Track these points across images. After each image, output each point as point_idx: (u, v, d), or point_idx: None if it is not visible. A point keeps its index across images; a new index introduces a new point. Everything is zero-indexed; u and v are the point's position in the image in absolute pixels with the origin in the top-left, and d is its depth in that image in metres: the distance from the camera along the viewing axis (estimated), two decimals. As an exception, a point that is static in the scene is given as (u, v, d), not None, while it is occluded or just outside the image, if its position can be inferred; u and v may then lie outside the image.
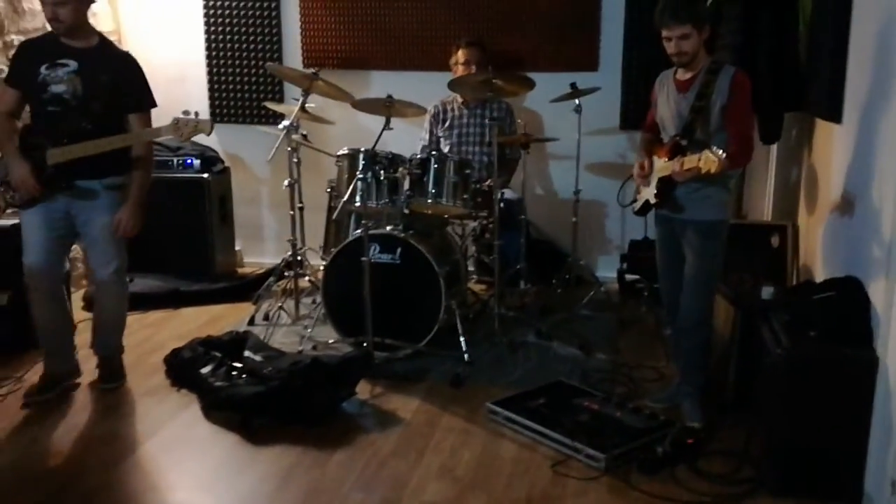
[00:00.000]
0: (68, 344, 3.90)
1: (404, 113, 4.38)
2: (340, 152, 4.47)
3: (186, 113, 3.64)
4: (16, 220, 4.21)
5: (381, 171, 4.22)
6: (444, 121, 5.07)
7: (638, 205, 3.65)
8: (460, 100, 5.04)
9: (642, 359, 4.21)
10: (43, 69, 3.50)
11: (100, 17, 5.56)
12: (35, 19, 4.92)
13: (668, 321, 3.81)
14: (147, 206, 3.76)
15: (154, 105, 3.80)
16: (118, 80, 3.58)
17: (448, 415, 3.64)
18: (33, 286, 3.69)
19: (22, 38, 4.81)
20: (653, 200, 3.48)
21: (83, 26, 3.58)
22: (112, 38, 5.62)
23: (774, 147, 4.50)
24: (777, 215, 4.55)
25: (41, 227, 3.62)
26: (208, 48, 5.72)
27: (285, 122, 4.56)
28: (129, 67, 3.69)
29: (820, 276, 3.57)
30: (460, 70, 4.93)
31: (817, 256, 3.75)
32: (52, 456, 3.26)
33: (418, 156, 4.32)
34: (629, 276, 5.14)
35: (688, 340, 3.54)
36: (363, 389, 3.79)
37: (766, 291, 3.41)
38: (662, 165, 3.40)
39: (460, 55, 4.95)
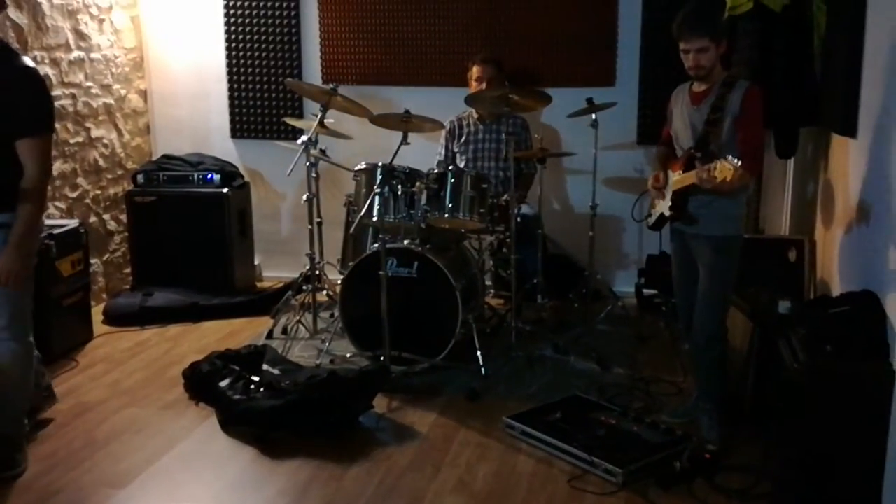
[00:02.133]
0: None
1: (422, 128, 4.41)
2: (358, 167, 4.51)
3: None
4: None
5: (399, 186, 4.25)
6: (460, 136, 5.10)
7: (653, 219, 3.66)
8: (476, 115, 5.07)
9: (660, 373, 4.20)
10: None
11: (123, 35, 5.66)
12: (58, 35, 5.02)
13: (685, 336, 3.81)
14: (34, 253, 3.17)
15: (51, 130, 3.13)
16: (4, 97, 2.97)
17: (465, 429, 3.65)
18: None
19: (45, 55, 4.91)
20: (667, 213, 3.49)
21: None
22: (133, 55, 5.79)
23: (791, 162, 4.50)
24: (794, 230, 4.54)
25: None
26: (229, 65, 5.79)
27: (304, 138, 4.61)
28: (22, 83, 3.02)
29: (837, 290, 3.56)
30: (475, 86, 4.96)
31: (834, 270, 3.74)
32: (70, 469, 3.29)
33: (435, 170, 4.34)
34: (647, 291, 5.14)
35: (703, 355, 3.53)
36: (380, 403, 3.81)
37: (783, 306, 3.40)
38: (677, 178, 3.41)
39: (475, 71, 4.97)
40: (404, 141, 4.16)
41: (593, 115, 4.72)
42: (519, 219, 4.47)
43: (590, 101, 4.70)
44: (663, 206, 3.53)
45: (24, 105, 2.99)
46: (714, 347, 3.48)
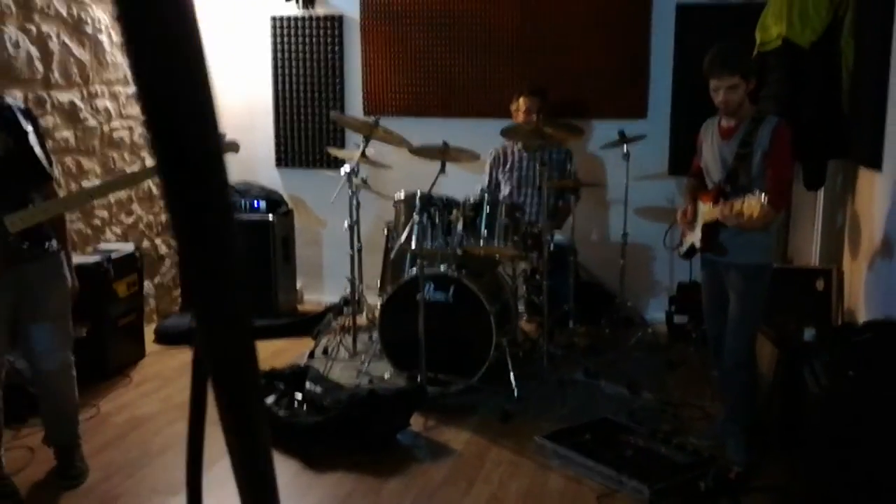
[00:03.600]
0: None
1: (458, 158, 4.59)
2: (398, 196, 4.70)
3: None
4: (96, 257, 4.56)
5: (436, 214, 4.43)
6: (504, 164, 5.24)
7: (684, 248, 3.78)
8: (520, 144, 5.21)
9: (688, 398, 4.30)
10: None
11: (176, 69, 5.93)
12: (118, 70, 5.31)
13: (714, 361, 3.91)
14: None
15: None
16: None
17: (497, 447, 3.79)
18: None
19: (105, 89, 5.21)
20: (698, 245, 3.62)
21: None
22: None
23: (821, 193, 4.60)
24: (824, 260, 4.63)
25: None
26: (276, 98, 6.06)
27: (346, 167, 4.82)
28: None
29: (862, 319, 3.65)
30: (521, 117, 5.06)
31: (860, 300, 3.83)
32: (127, 477, 3.49)
33: (476, 197, 4.49)
34: (678, 319, 5.24)
35: (732, 380, 3.64)
36: (417, 422, 3.96)
37: (808, 333, 3.50)
38: (707, 210, 3.53)
39: (522, 103, 5.07)
40: (442, 171, 4.34)
41: (625, 147, 4.87)
42: (552, 247, 4.62)
43: (621, 133, 4.85)
44: (694, 237, 3.65)
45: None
46: (742, 372, 3.59)
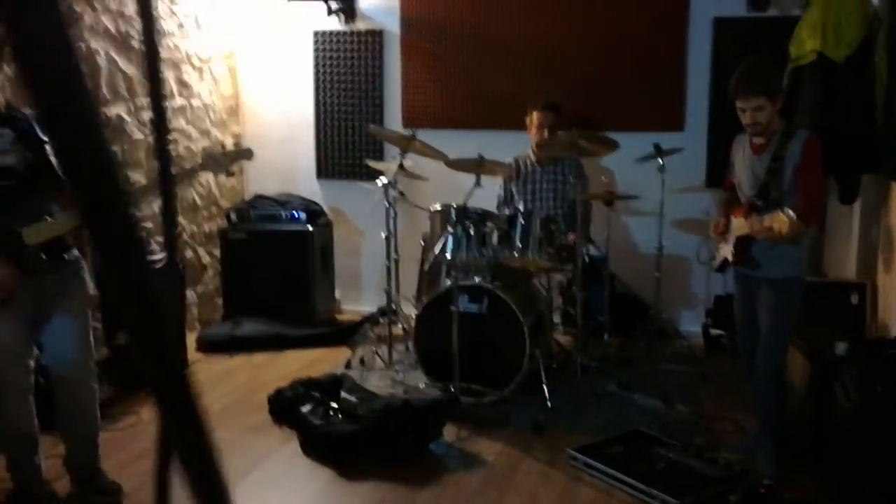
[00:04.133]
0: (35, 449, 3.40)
1: (494, 171, 4.65)
2: (433, 207, 4.77)
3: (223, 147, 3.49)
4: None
5: (471, 226, 4.49)
6: (518, 176, 5.30)
7: (717, 262, 3.80)
8: (533, 157, 5.25)
9: (722, 411, 4.29)
10: None
11: (221, 84, 6.11)
12: (163, 86, 5.46)
13: (747, 375, 3.91)
14: None
15: None
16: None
17: (529, 458, 3.83)
18: (10, 389, 3.24)
19: (149, 103, 5.35)
20: (730, 258, 3.63)
21: None
22: (230, 102, 6.23)
23: (857, 206, 4.57)
24: (860, 274, 4.59)
25: (15, 325, 3.15)
26: (317, 111, 6.18)
27: (384, 179, 4.91)
28: None
29: (895, 333, 3.62)
30: (535, 131, 5.14)
31: (893, 314, 3.81)
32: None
33: (495, 211, 4.53)
34: (714, 331, 5.23)
35: (764, 392, 3.64)
36: (450, 432, 4.02)
37: (840, 347, 3.49)
38: (739, 224, 3.55)
39: (535, 117, 5.14)
40: (477, 184, 4.40)
41: (660, 160, 4.88)
42: (587, 259, 4.65)
43: (657, 146, 4.87)
44: (726, 251, 3.67)
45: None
46: (773, 385, 3.59)
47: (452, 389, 4.26)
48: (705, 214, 5.40)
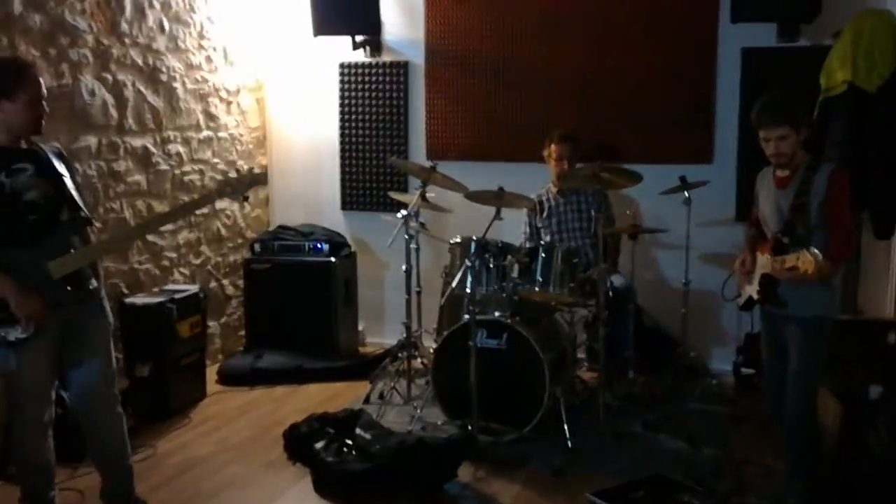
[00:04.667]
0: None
1: (514, 203, 4.57)
2: (454, 240, 4.70)
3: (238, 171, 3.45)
4: (159, 298, 4.69)
5: (491, 259, 4.41)
6: (542, 211, 5.23)
7: (742, 300, 3.67)
8: (554, 189, 5.19)
9: (751, 454, 4.12)
10: (8, 176, 3.09)
11: (248, 115, 6.14)
12: (190, 117, 5.51)
13: (774, 416, 3.76)
14: None
15: None
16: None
17: (546, 502, 3.70)
18: (32, 423, 3.25)
19: (178, 134, 5.40)
20: (755, 297, 3.50)
21: None
22: (256, 133, 6.26)
23: (894, 242, 4.39)
24: (899, 312, 4.41)
25: (42, 359, 3.18)
26: (342, 142, 6.17)
27: (404, 211, 4.85)
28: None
29: (934, 378, 3.45)
30: (554, 164, 5.11)
31: (933, 356, 3.63)
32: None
33: (527, 245, 4.47)
34: (745, 370, 5.06)
35: (793, 435, 3.50)
36: (466, 471, 3.91)
37: (874, 391, 3.33)
38: (765, 262, 3.42)
39: (553, 150, 5.10)
40: (497, 216, 4.33)
41: (686, 193, 4.76)
42: (611, 293, 4.54)
43: (682, 178, 4.75)
44: (752, 289, 3.54)
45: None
46: (804, 428, 3.44)
47: (470, 427, 4.15)
48: (736, 248, 5.24)
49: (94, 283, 3.28)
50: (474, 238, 4.46)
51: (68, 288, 3.14)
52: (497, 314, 4.39)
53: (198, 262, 5.65)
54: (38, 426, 3.25)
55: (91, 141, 4.66)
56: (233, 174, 3.39)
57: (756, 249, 3.55)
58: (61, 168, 3.25)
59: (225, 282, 5.95)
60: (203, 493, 3.78)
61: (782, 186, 3.40)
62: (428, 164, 5.03)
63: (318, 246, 5.77)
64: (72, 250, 3.15)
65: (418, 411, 4.52)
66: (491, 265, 4.41)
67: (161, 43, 5.21)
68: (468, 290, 4.35)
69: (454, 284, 4.50)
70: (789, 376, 3.43)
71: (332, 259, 5.71)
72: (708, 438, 4.32)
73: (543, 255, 4.38)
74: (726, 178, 5.27)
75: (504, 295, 4.41)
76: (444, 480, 3.80)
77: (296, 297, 5.67)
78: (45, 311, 3.06)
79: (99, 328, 3.33)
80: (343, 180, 6.20)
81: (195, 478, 3.94)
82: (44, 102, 3.14)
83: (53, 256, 3.09)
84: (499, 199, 4.37)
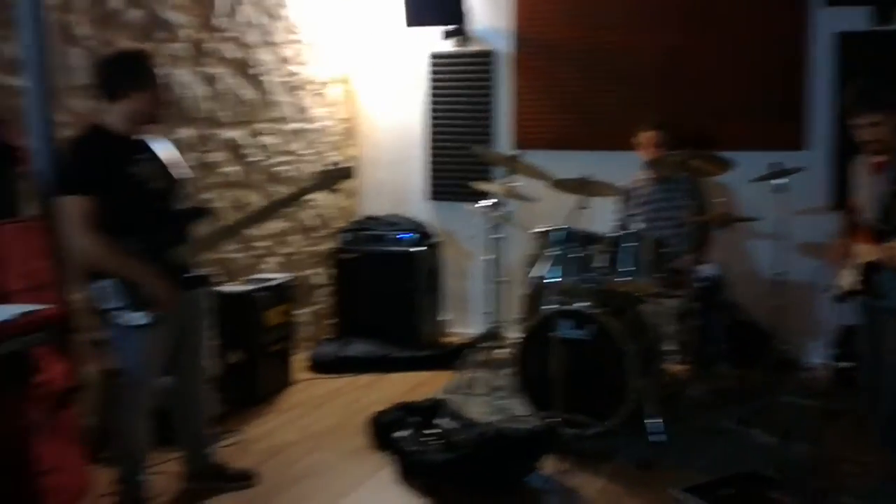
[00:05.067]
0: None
1: (600, 192, 4.49)
2: (538, 229, 4.66)
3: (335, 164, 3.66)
4: (249, 286, 4.81)
5: (576, 248, 4.35)
6: (634, 199, 5.13)
7: (837, 291, 3.51)
8: (645, 177, 5.10)
9: (848, 452, 3.94)
10: (135, 164, 3.25)
11: (337, 106, 6.23)
12: (281, 109, 5.62)
13: (870, 410, 3.59)
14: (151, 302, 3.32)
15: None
16: None
17: (632, 497, 3.62)
18: (137, 408, 3.38)
19: (269, 126, 5.52)
20: (853, 287, 3.35)
21: None
22: (346, 124, 6.34)
23: None
24: None
25: (163, 344, 3.35)
26: (429, 133, 6.19)
27: (489, 201, 4.84)
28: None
29: None
30: (644, 150, 5.03)
31: None
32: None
33: (613, 234, 4.39)
34: (842, 364, 4.84)
35: (891, 434, 3.33)
36: (549, 464, 3.86)
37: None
38: (863, 250, 3.27)
39: (643, 137, 5.03)
40: (583, 205, 4.26)
41: (778, 180, 4.58)
42: (701, 283, 4.40)
43: (774, 165, 4.58)
44: (849, 280, 3.39)
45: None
46: None
47: (553, 419, 4.11)
48: (830, 238, 5.02)
49: (204, 270, 3.45)
50: (560, 227, 4.40)
51: (186, 275, 3.30)
52: (582, 304, 4.32)
53: (288, 251, 5.77)
54: (142, 411, 3.38)
55: (187, 133, 4.80)
56: (324, 168, 3.51)
57: (853, 238, 3.39)
58: (175, 157, 3.41)
59: (314, 271, 6.06)
60: (287, 480, 3.84)
61: (878, 173, 3.25)
62: (513, 153, 4.99)
63: (404, 236, 5.81)
64: (191, 238, 3.32)
65: (501, 402, 4.51)
66: (576, 255, 4.34)
67: (253, 37, 5.33)
68: (553, 280, 4.30)
69: (538, 274, 4.45)
70: (886, 371, 3.27)
71: (417, 249, 5.74)
72: (801, 434, 4.15)
73: (631, 244, 4.29)
74: (819, 165, 5.07)
75: (589, 285, 4.33)
76: (527, 473, 3.77)
77: (382, 287, 5.73)
78: (173, 298, 3.21)
79: (206, 314, 3.53)
80: (430, 170, 6.22)
81: (280, 464, 4.01)
82: (166, 92, 3.33)
83: (174, 244, 3.26)
84: (585, 187, 4.31)
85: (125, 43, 4.28)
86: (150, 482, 3.52)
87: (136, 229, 3.17)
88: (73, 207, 3.09)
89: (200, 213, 3.47)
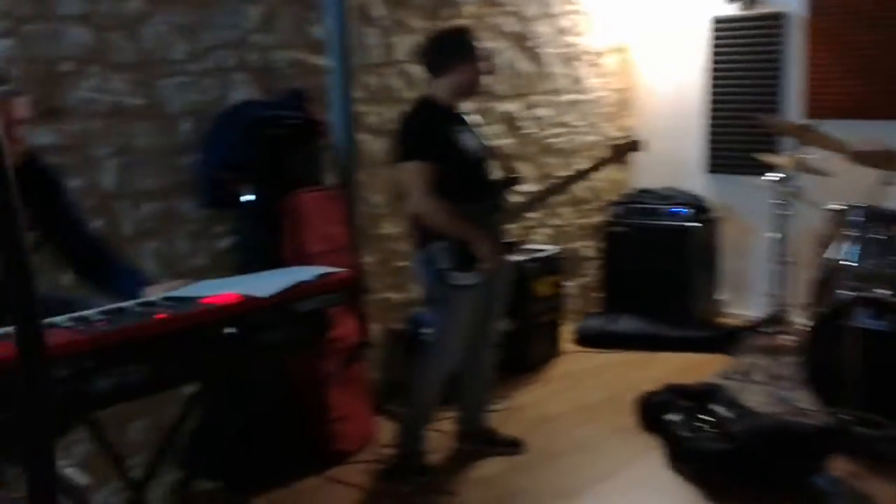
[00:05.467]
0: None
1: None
2: (832, 206, 4.26)
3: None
4: (520, 257, 4.84)
5: (879, 229, 3.93)
6: None
7: None
8: None
9: None
10: (459, 134, 3.43)
11: (613, 77, 6.09)
12: (556, 81, 5.59)
13: None
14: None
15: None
16: None
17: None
18: (448, 366, 3.57)
19: (544, 98, 5.52)
20: None
21: None
22: (621, 94, 6.18)
23: None
24: None
25: (479, 305, 3.54)
26: (710, 102, 5.86)
27: (778, 175, 4.50)
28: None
29: None
30: None
31: None
32: (525, 473, 3.67)
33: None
34: None
35: None
36: (838, 465, 3.55)
37: None
38: None
39: None
40: (888, 180, 3.82)
41: None
42: None
43: None
44: None
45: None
46: None
47: (845, 417, 3.75)
48: None
49: (511, 238, 3.63)
50: (859, 205, 4.00)
51: (503, 241, 3.49)
52: (883, 292, 3.88)
53: (558, 223, 5.76)
54: (446, 369, 3.54)
55: (466, 107, 4.91)
56: (614, 140, 3.60)
57: None
58: (483, 128, 3.65)
59: (584, 243, 6.00)
60: (553, 452, 3.85)
61: None
62: (806, 122, 4.58)
63: (678, 210, 5.58)
64: (506, 206, 3.53)
65: (784, 393, 4.19)
66: (878, 236, 3.91)
67: (532, 9, 5.34)
68: (849, 264, 3.92)
69: (832, 256, 4.07)
70: None
71: (692, 224, 5.49)
72: None
73: (947, 227, 3.79)
74: None
75: (893, 270, 3.89)
76: (811, 473, 3.48)
77: (653, 262, 5.56)
78: (501, 261, 3.44)
79: (509, 281, 3.74)
80: (708, 142, 5.90)
81: (547, 434, 4.04)
82: (488, 64, 3.47)
83: (494, 211, 3.48)
84: (890, 160, 3.86)
85: (415, 22, 4.45)
86: (428, 439, 3.68)
87: (463, 196, 3.33)
88: (415, 172, 3.30)
89: (513, 181, 3.61)
